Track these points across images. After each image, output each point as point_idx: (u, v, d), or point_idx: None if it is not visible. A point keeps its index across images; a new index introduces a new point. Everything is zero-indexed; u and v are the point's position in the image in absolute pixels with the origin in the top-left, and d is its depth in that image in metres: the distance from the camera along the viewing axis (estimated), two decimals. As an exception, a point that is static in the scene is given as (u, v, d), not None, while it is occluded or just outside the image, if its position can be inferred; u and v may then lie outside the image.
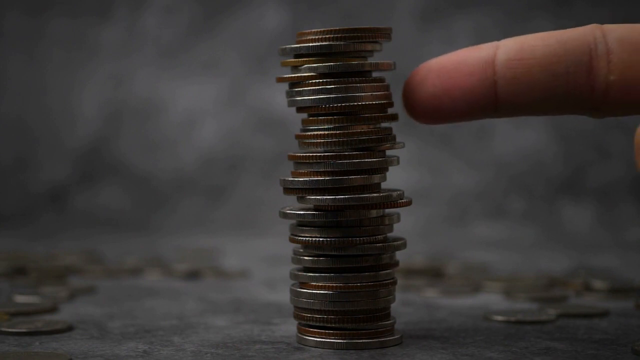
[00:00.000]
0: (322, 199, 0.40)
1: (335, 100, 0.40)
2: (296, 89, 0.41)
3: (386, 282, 0.42)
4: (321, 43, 0.40)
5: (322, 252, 0.41)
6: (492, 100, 0.40)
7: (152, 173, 1.01)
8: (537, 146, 0.97)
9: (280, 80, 0.42)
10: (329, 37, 0.40)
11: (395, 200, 0.41)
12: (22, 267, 0.63)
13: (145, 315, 0.49)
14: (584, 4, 0.99)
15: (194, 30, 1.05)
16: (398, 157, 0.42)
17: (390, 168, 0.42)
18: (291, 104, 0.42)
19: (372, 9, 1.03)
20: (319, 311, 0.41)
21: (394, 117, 0.42)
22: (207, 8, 1.06)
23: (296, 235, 0.42)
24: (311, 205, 0.41)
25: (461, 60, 0.41)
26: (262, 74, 1.00)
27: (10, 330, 0.44)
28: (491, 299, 0.55)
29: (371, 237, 0.41)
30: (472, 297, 0.55)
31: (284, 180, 0.41)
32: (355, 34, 0.40)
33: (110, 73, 1.06)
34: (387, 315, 0.42)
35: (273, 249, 0.75)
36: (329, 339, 0.41)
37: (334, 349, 0.41)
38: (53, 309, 0.50)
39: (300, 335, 0.42)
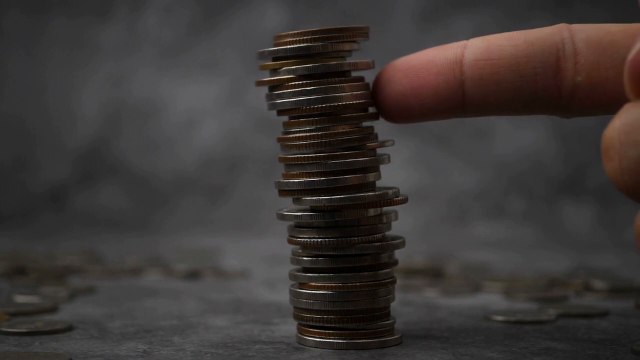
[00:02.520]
0: (317, 200, 0.40)
1: (316, 101, 0.40)
2: (276, 92, 0.41)
3: (385, 281, 0.42)
4: (299, 45, 0.40)
5: (320, 253, 0.41)
6: (459, 100, 0.40)
7: (152, 173, 1.01)
8: (537, 146, 0.97)
9: (260, 83, 0.42)
10: (307, 39, 0.40)
11: (391, 198, 0.41)
12: (22, 267, 0.63)
13: (145, 315, 0.49)
14: (584, 4, 0.99)
15: (194, 30, 1.05)
16: (389, 155, 0.42)
17: (390, 167, 0.42)
18: (271, 107, 0.42)
19: (371, 9, 1.03)
20: (318, 311, 0.41)
21: (375, 116, 0.42)
22: (207, 8, 1.06)
23: (294, 237, 0.42)
24: (307, 206, 0.41)
25: (429, 60, 0.41)
26: (262, 74, 1.00)
27: (10, 330, 0.44)
28: (491, 299, 0.55)
29: (369, 237, 0.41)
30: (472, 297, 0.55)
31: (279, 182, 0.41)
32: (332, 35, 0.40)
33: (110, 73, 1.06)
34: (387, 315, 0.42)
35: (273, 249, 0.75)
36: (329, 339, 0.41)
37: (334, 349, 0.41)
38: (53, 309, 0.50)
39: (300, 335, 0.42)
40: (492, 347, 0.41)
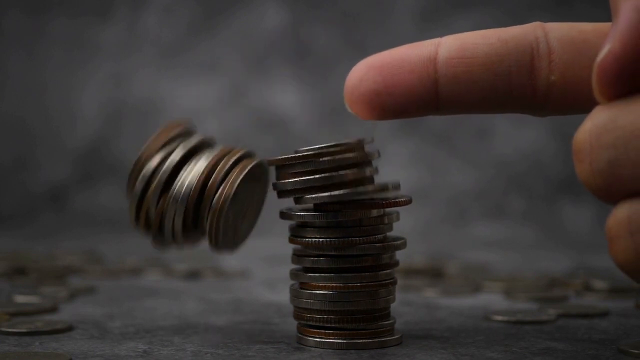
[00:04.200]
0: (318, 197, 0.40)
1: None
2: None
3: (386, 282, 0.42)
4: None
5: (321, 252, 0.41)
6: (433, 98, 0.40)
7: (152, 173, 1.00)
8: (537, 146, 0.97)
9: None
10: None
11: (391, 190, 0.41)
12: (22, 267, 0.63)
13: (145, 315, 0.49)
14: (584, 4, 0.99)
15: (194, 30, 1.05)
16: (378, 150, 0.42)
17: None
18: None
19: (371, 9, 1.03)
20: (318, 311, 0.41)
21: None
22: (207, 8, 1.06)
23: (295, 236, 0.42)
24: (310, 205, 0.41)
25: (402, 57, 0.40)
26: (262, 74, 1.00)
27: (10, 330, 0.44)
28: (491, 299, 0.55)
29: (370, 237, 0.41)
30: (472, 297, 0.55)
31: (277, 183, 0.41)
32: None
33: (110, 73, 1.06)
34: (387, 315, 0.42)
35: (273, 249, 0.75)
36: (329, 339, 0.41)
37: (334, 349, 0.41)
38: (53, 309, 0.50)
39: (300, 335, 0.42)
40: (492, 347, 0.41)
